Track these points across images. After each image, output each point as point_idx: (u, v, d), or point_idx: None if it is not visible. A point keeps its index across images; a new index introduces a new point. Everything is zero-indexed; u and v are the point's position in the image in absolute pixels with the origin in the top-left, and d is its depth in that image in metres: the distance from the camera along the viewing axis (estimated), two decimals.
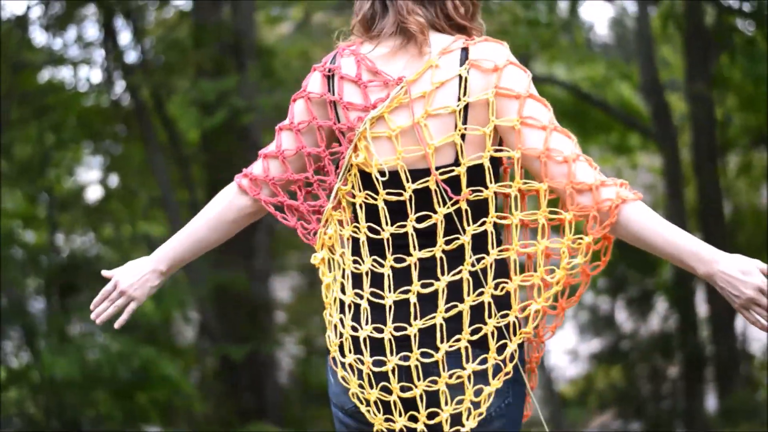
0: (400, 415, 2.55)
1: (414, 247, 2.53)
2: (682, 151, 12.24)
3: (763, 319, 2.43)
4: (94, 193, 11.64)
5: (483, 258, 2.52)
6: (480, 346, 2.52)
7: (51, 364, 8.59)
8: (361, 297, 2.57)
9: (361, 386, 2.57)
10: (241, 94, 9.43)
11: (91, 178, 11.87)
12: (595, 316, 13.57)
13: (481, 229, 2.52)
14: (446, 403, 2.52)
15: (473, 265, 2.52)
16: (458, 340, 2.51)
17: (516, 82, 2.50)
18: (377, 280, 2.56)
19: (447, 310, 2.51)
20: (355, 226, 2.60)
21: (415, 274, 2.53)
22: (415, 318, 2.52)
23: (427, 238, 2.53)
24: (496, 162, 2.55)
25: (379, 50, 2.58)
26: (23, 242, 10.31)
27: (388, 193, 2.55)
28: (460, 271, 2.52)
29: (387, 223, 2.55)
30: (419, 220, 2.53)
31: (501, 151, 2.52)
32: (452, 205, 2.52)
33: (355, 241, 2.60)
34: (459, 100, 2.50)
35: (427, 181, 2.52)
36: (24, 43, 9.41)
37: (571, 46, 11.56)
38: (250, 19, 10.42)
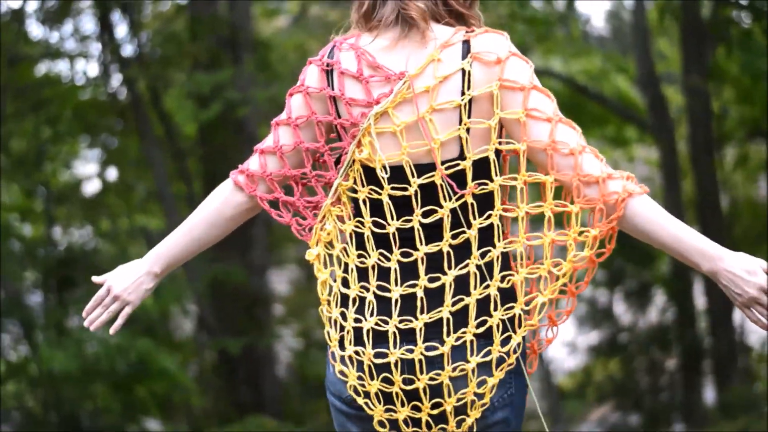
0: (403, 405, 2.55)
1: (420, 241, 2.52)
2: (679, 144, 12.24)
3: (764, 318, 2.44)
4: (91, 187, 11.64)
5: (489, 251, 2.52)
6: (485, 338, 2.52)
7: (49, 358, 8.60)
8: (367, 290, 2.56)
9: (360, 378, 2.56)
10: (236, 87, 9.44)
11: (87, 172, 11.87)
12: (593, 309, 13.58)
13: (488, 222, 2.52)
14: (449, 395, 2.52)
15: (480, 259, 2.51)
16: (464, 333, 2.51)
17: (519, 74, 2.50)
18: (384, 274, 2.55)
19: (453, 304, 2.51)
20: (359, 221, 2.58)
21: (422, 269, 2.53)
22: (422, 312, 2.52)
23: (433, 232, 2.53)
24: (498, 154, 2.54)
25: (379, 42, 2.55)
26: (20, 236, 10.31)
27: (392, 188, 2.53)
28: (466, 265, 2.51)
29: (393, 218, 2.54)
30: (425, 214, 2.52)
31: (507, 143, 2.51)
32: (458, 199, 2.51)
33: (359, 236, 2.58)
34: (463, 94, 2.48)
35: (433, 175, 2.51)
36: (21, 37, 9.40)
37: (567, 39, 11.56)
38: (246, 12, 10.43)
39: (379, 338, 2.54)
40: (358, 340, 2.56)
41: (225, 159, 10.28)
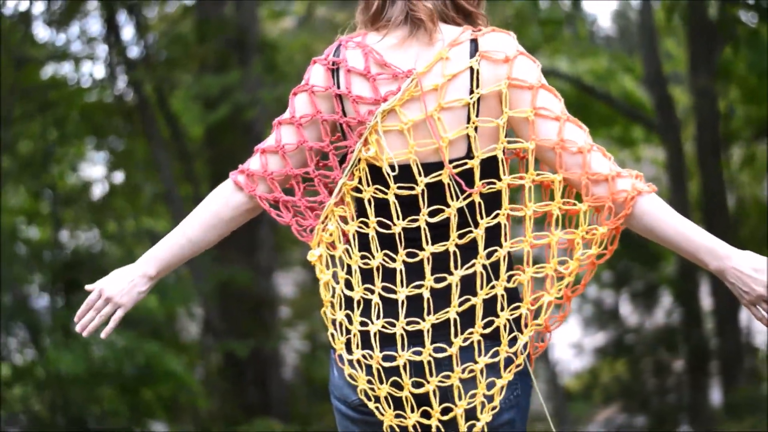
0: (413, 411, 2.54)
1: (427, 241, 2.52)
2: (686, 144, 12.23)
3: None
4: (97, 189, 11.64)
5: (495, 251, 2.51)
6: (492, 338, 2.51)
7: (56, 361, 8.59)
8: (372, 292, 2.55)
9: (370, 382, 2.55)
10: (244, 89, 9.44)
11: (94, 174, 11.87)
12: (599, 310, 13.58)
13: (495, 221, 2.51)
14: (460, 398, 2.51)
15: (486, 258, 2.50)
16: (471, 333, 2.50)
17: (527, 73, 2.49)
18: (389, 274, 2.54)
19: (460, 305, 2.50)
20: (362, 221, 2.57)
21: (428, 269, 2.52)
22: (428, 313, 2.51)
23: (439, 231, 2.52)
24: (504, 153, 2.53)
25: (388, 41, 2.55)
26: (27, 238, 10.32)
27: (399, 188, 2.52)
28: (473, 265, 2.50)
29: (399, 218, 2.53)
30: (432, 214, 2.51)
31: (515, 142, 2.51)
32: (465, 198, 2.50)
33: (363, 237, 2.57)
34: (472, 92, 2.48)
35: (440, 174, 2.50)
36: (27, 39, 9.42)
37: (573, 39, 11.55)
38: (253, 13, 10.43)
39: (387, 341, 2.53)
40: (366, 344, 2.54)
41: (232, 161, 10.22)
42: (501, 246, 2.51)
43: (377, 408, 2.56)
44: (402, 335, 2.51)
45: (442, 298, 2.51)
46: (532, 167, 2.51)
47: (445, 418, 2.52)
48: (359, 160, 2.55)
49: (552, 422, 2.74)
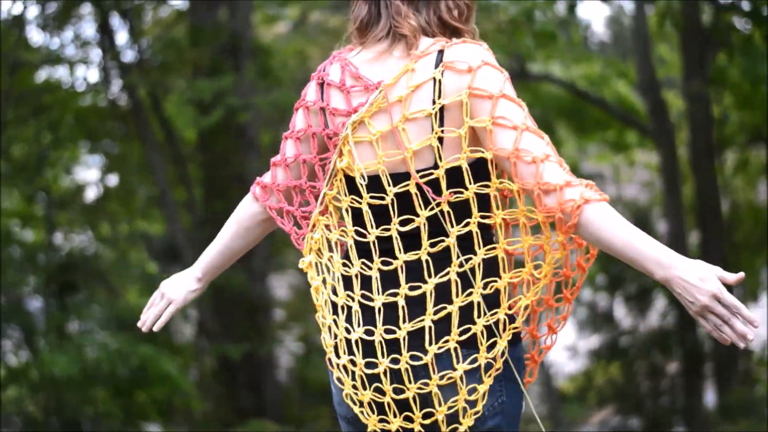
0: (395, 416, 2.57)
1: (399, 249, 2.54)
2: (680, 149, 12.26)
3: (720, 328, 2.33)
4: (91, 192, 11.65)
5: (471, 258, 2.53)
6: (469, 345, 2.52)
7: (50, 363, 8.61)
8: (353, 299, 2.59)
9: (354, 387, 2.59)
10: (237, 94, 9.45)
11: (88, 177, 11.88)
12: (593, 313, 13.57)
13: (466, 230, 2.53)
14: (440, 404, 2.53)
15: (461, 266, 2.52)
16: (447, 341, 2.51)
17: (490, 83, 2.49)
18: (366, 282, 2.58)
19: (435, 312, 2.52)
20: (343, 230, 2.62)
21: (402, 277, 2.54)
22: (404, 321, 2.53)
23: (412, 240, 2.54)
24: (483, 162, 2.53)
25: (365, 54, 2.60)
26: (21, 241, 10.33)
27: (371, 197, 2.56)
28: (447, 273, 2.52)
29: (372, 227, 2.57)
30: (402, 223, 2.54)
31: (475, 151, 2.51)
32: (433, 207, 2.52)
33: (344, 245, 2.63)
34: (434, 102, 2.50)
35: (408, 184, 2.53)
36: (21, 43, 9.41)
37: (568, 45, 11.57)
38: (246, 18, 10.44)
39: (368, 348, 2.56)
40: (350, 350, 2.59)
41: (226, 164, 10.32)
42: (476, 254, 2.53)
43: (362, 412, 2.59)
44: (381, 342, 2.54)
45: (417, 306, 2.53)
46: (494, 176, 2.52)
47: (427, 422, 2.55)
48: (336, 170, 2.60)
49: (545, 425, 2.76)
